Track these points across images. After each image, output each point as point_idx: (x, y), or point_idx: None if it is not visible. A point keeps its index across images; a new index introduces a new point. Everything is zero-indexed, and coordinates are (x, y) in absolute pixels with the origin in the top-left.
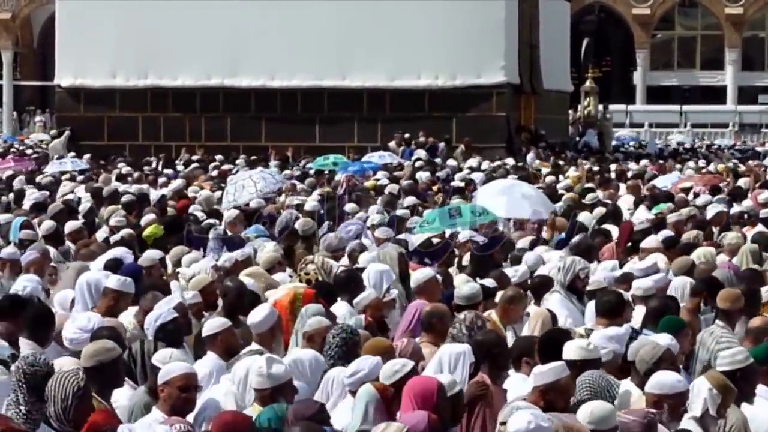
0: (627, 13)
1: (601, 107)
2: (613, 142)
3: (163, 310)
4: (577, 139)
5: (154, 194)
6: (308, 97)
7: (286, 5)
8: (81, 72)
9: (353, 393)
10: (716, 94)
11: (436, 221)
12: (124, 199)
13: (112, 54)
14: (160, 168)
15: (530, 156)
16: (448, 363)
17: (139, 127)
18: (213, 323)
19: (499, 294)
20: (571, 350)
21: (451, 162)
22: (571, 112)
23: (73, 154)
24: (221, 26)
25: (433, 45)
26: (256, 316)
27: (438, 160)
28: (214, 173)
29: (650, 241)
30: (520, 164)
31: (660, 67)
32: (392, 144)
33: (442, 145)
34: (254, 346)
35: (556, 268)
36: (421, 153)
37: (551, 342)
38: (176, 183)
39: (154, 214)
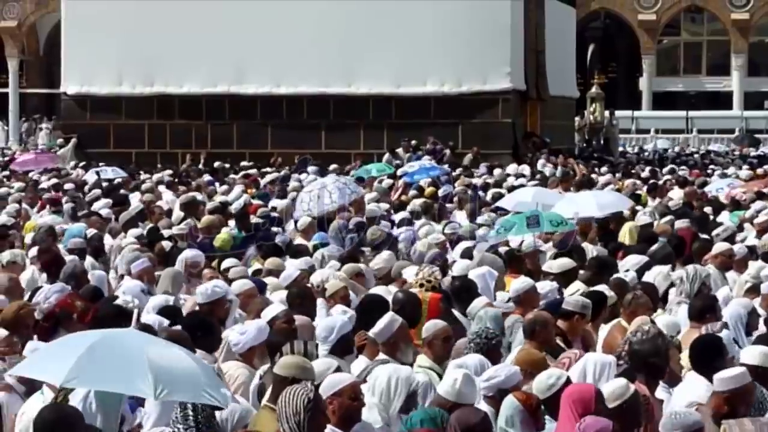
0: (633, 19)
1: (607, 113)
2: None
3: (342, 319)
4: (584, 145)
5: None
6: (314, 104)
7: (292, 13)
8: (87, 80)
9: (488, 398)
10: (722, 100)
11: (514, 228)
12: (210, 206)
13: (118, 61)
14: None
15: (540, 162)
16: (592, 373)
17: (145, 135)
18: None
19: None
20: (755, 356)
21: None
22: (577, 118)
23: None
24: (227, 34)
25: (439, 51)
26: (377, 325)
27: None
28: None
29: (719, 247)
30: (567, 170)
31: (666, 73)
32: (400, 150)
33: (447, 152)
34: (381, 356)
35: (669, 278)
36: (428, 160)
37: (707, 348)
38: (238, 190)
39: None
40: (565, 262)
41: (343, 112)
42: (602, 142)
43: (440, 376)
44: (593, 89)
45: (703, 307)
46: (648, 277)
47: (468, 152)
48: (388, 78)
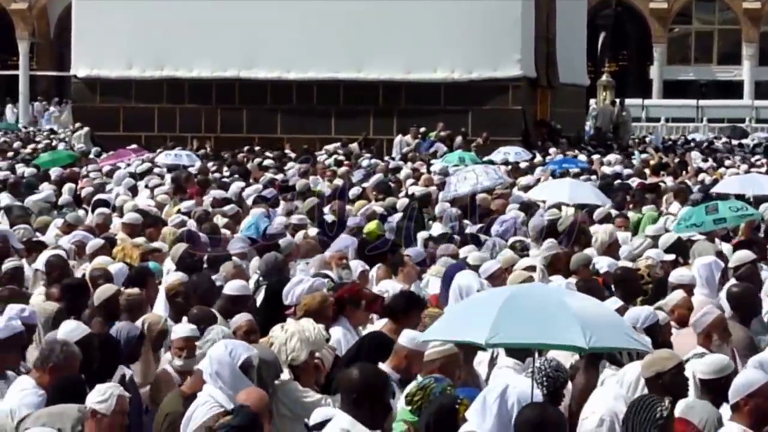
0: (644, 7)
1: (617, 101)
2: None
3: (649, 309)
4: (592, 132)
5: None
6: (324, 90)
7: None
8: (97, 63)
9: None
10: (733, 89)
11: (693, 218)
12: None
13: (129, 45)
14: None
15: (552, 151)
16: None
17: (154, 119)
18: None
19: None
20: None
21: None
22: (594, 104)
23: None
24: (237, 18)
25: (450, 38)
26: (695, 314)
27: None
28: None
29: None
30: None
31: (677, 61)
32: (408, 137)
33: (458, 139)
34: (697, 348)
35: None
36: (441, 146)
37: None
38: (359, 175)
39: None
40: (744, 255)
41: (353, 98)
42: (612, 129)
43: None
44: (604, 77)
45: None
46: None
47: (477, 138)
48: (399, 64)
